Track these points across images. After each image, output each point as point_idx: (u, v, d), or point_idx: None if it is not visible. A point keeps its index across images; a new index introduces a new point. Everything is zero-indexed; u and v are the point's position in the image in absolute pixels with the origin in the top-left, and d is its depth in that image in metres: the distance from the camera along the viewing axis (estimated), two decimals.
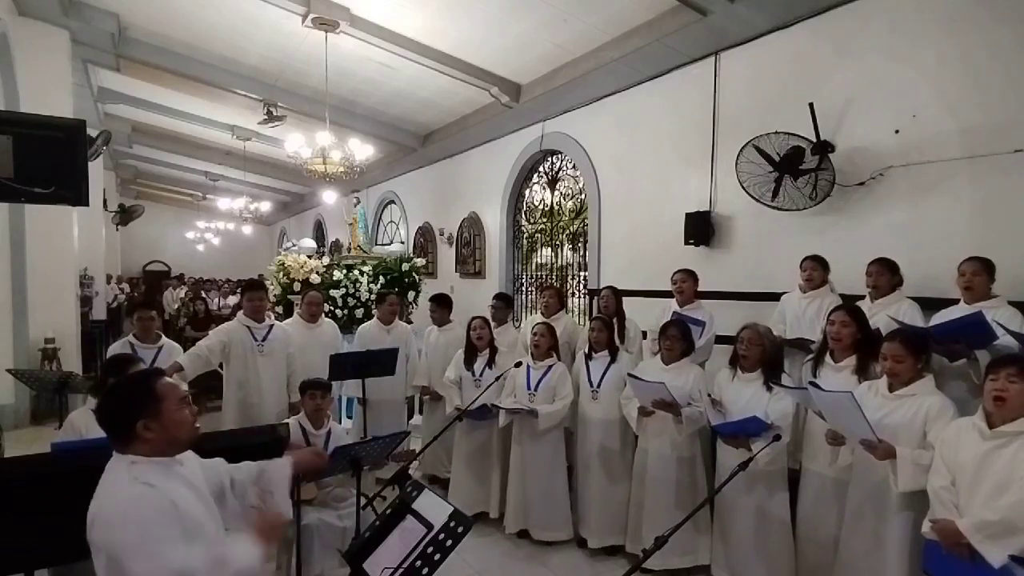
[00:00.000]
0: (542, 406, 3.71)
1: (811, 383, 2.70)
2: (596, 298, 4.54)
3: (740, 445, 3.00)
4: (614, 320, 4.20)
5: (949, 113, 3.64)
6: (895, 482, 2.38)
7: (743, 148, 4.34)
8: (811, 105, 4.06)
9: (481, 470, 4.13)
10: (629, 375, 3.61)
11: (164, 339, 4.22)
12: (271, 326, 4.17)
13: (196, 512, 1.56)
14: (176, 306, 12.25)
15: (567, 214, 7.41)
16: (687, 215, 5.19)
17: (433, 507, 1.71)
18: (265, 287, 4.37)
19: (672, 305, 4.29)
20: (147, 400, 1.56)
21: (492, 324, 4.45)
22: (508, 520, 3.89)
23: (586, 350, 3.89)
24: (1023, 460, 2.03)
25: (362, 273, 6.60)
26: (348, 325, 5.97)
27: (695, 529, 3.30)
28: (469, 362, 4.17)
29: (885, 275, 3.41)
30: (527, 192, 8.12)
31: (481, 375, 4.07)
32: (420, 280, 7.16)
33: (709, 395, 3.37)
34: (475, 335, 4.16)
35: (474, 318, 4.25)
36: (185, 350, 4.19)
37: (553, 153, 7.51)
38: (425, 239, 10.25)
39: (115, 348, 4.08)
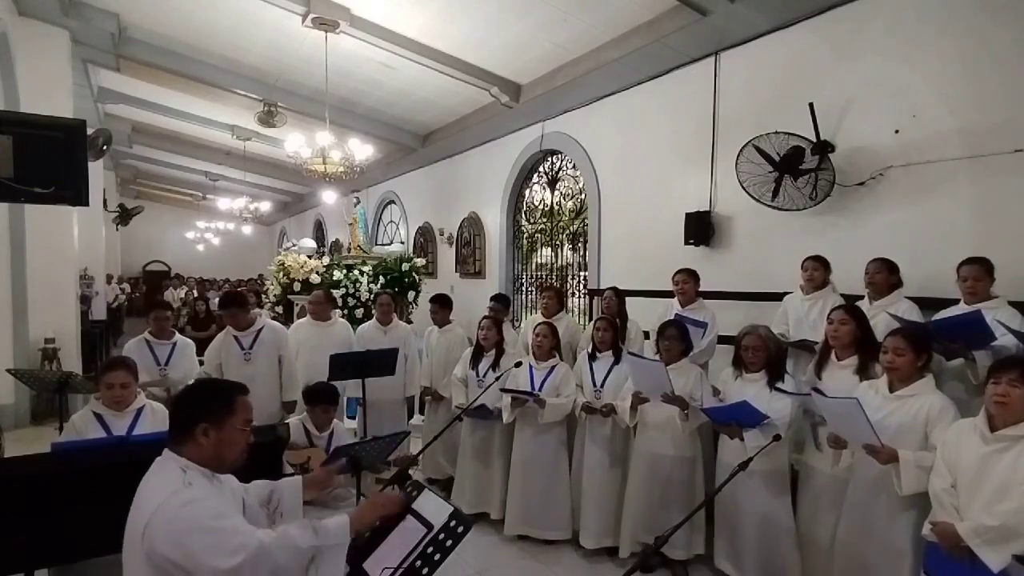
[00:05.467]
0: (549, 397, 3.71)
1: (815, 389, 2.69)
2: (599, 298, 4.54)
3: (733, 434, 3.01)
4: (617, 320, 4.20)
5: (949, 113, 3.64)
6: (899, 485, 2.38)
7: (743, 148, 4.34)
8: (811, 105, 4.06)
9: (484, 469, 4.12)
10: (628, 353, 3.62)
11: (177, 335, 4.41)
12: (260, 329, 4.12)
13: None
14: (176, 306, 12.26)
15: (567, 214, 7.41)
16: (687, 215, 5.19)
17: (433, 507, 1.71)
18: (238, 301, 4.21)
19: (674, 305, 4.29)
20: (218, 407, 1.58)
21: None
22: (508, 522, 3.88)
23: (589, 350, 3.89)
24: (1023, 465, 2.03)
25: (362, 273, 6.61)
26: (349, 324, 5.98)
27: (691, 525, 3.29)
28: (475, 362, 4.17)
29: (883, 273, 3.42)
30: (527, 192, 8.12)
31: (484, 376, 4.06)
32: (420, 280, 7.17)
33: (713, 386, 3.38)
34: (481, 335, 4.15)
35: (483, 318, 4.25)
36: None
37: (553, 153, 7.51)
38: (425, 239, 10.26)
39: (131, 345, 4.26)
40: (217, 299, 11.67)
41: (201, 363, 4.34)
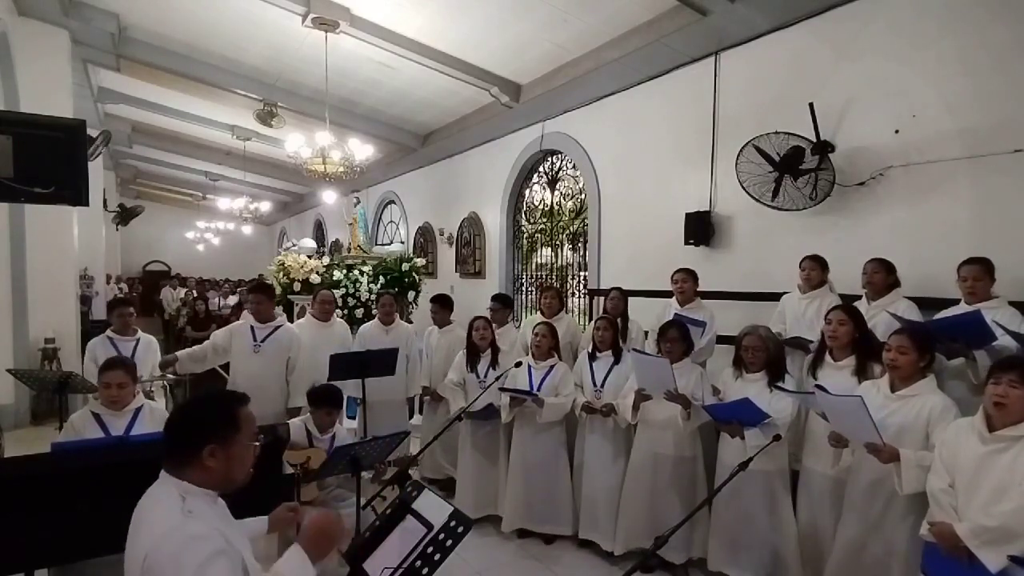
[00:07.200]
0: (547, 397, 3.72)
1: (817, 386, 2.69)
2: (604, 298, 4.55)
3: (734, 433, 3.01)
4: (618, 320, 4.20)
5: (949, 113, 3.63)
6: (899, 485, 2.37)
7: (743, 148, 4.34)
8: (811, 105, 4.07)
9: (489, 471, 4.11)
10: (633, 350, 3.62)
11: (140, 332, 4.57)
12: (277, 327, 4.13)
13: (243, 547, 1.48)
14: (176, 306, 12.26)
15: (567, 214, 7.41)
16: (687, 215, 5.19)
17: (433, 507, 1.71)
18: (268, 290, 4.36)
19: (673, 304, 4.29)
20: (225, 425, 1.46)
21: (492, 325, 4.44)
22: (506, 519, 3.88)
23: (589, 350, 3.89)
24: (1022, 465, 2.03)
25: (362, 273, 6.61)
26: (348, 325, 5.98)
27: (691, 525, 3.29)
28: (472, 364, 4.15)
29: (880, 273, 3.42)
30: (527, 192, 8.11)
31: (486, 376, 4.05)
32: (420, 280, 7.17)
33: (713, 386, 3.38)
34: (478, 335, 4.14)
35: (476, 318, 4.24)
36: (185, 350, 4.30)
37: (553, 153, 7.51)
38: (425, 239, 10.25)
39: (95, 343, 4.39)
40: (217, 298, 11.71)
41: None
